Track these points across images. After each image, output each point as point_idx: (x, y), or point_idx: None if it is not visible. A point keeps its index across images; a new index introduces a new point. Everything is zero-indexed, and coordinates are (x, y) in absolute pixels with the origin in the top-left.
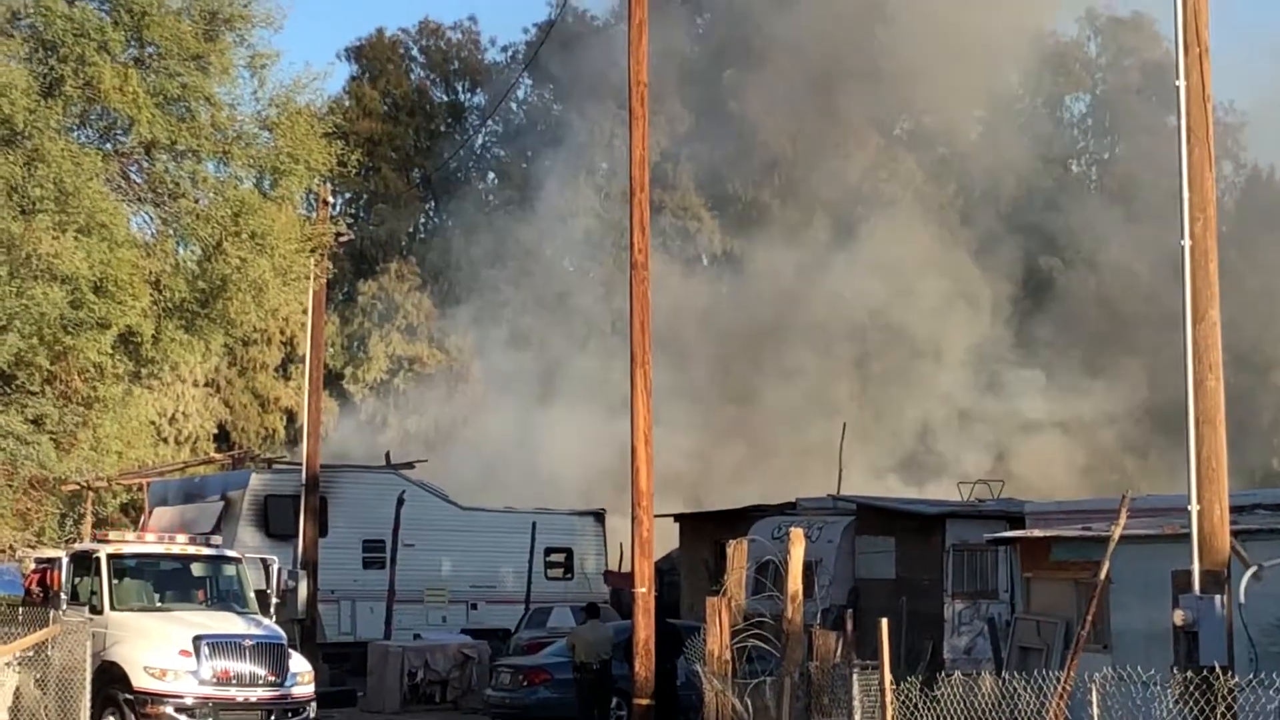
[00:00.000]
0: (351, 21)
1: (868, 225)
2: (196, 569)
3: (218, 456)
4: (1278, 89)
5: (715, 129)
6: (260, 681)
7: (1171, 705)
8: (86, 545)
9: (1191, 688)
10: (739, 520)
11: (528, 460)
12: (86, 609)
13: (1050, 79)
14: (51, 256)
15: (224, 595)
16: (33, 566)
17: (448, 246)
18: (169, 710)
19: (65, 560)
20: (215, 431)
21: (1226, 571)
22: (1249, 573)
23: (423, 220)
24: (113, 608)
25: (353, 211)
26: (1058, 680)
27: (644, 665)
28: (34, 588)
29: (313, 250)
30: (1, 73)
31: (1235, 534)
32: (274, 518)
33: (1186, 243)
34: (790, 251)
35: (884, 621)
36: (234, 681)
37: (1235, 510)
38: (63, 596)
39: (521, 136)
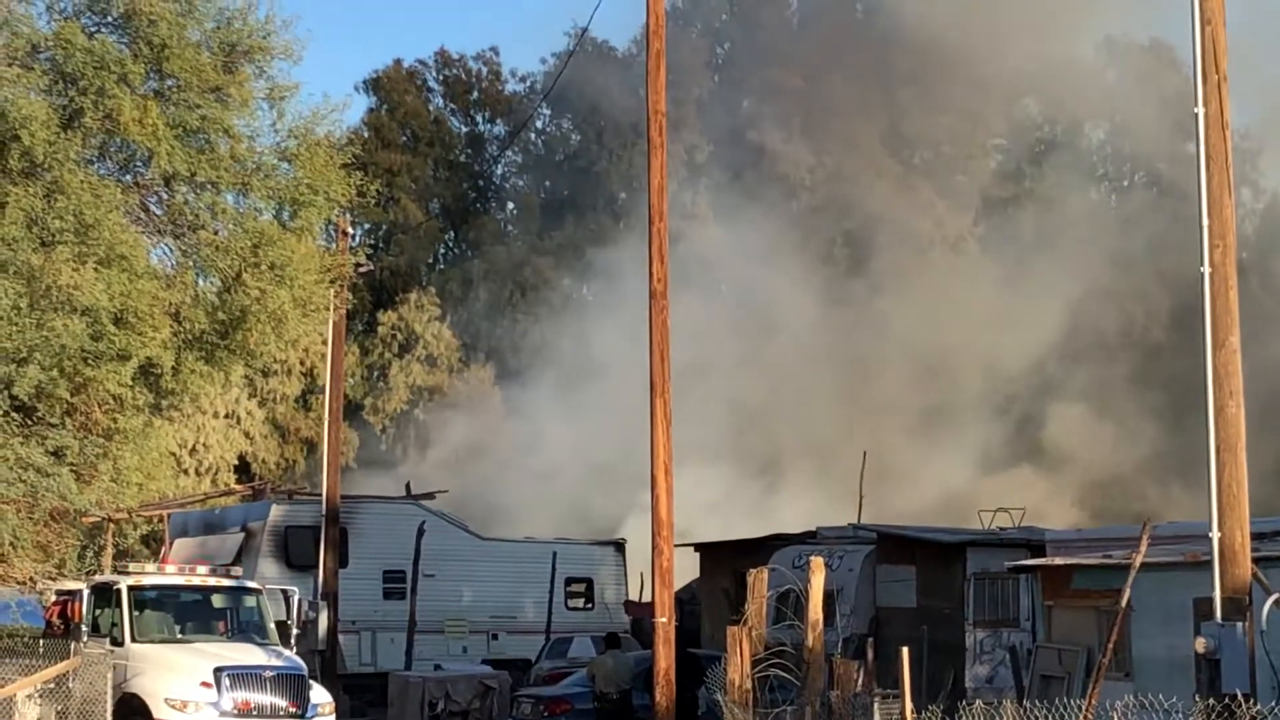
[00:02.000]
0: (368, 54)
1: (888, 254)
2: (217, 600)
3: (238, 488)
4: None
5: (733, 158)
6: (281, 712)
7: None
8: (107, 577)
9: (1214, 715)
10: (759, 549)
11: (553, 489)
12: (107, 641)
13: (1069, 106)
14: (71, 288)
15: (245, 626)
16: (53, 598)
17: (468, 276)
18: None
19: (86, 592)
20: (235, 463)
21: (1248, 598)
22: (1271, 600)
23: (442, 251)
24: (133, 639)
25: (372, 242)
26: (1079, 708)
27: (665, 695)
28: (55, 620)
29: (332, 281)
30: (22, 105)
31: (1257, 561)
32: (294, 549)
33: (1206, 269)
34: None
35: (905, 650)
36: (255, 713)
37: (1256, 537)
38: (83, 628)
39: (540, 166)
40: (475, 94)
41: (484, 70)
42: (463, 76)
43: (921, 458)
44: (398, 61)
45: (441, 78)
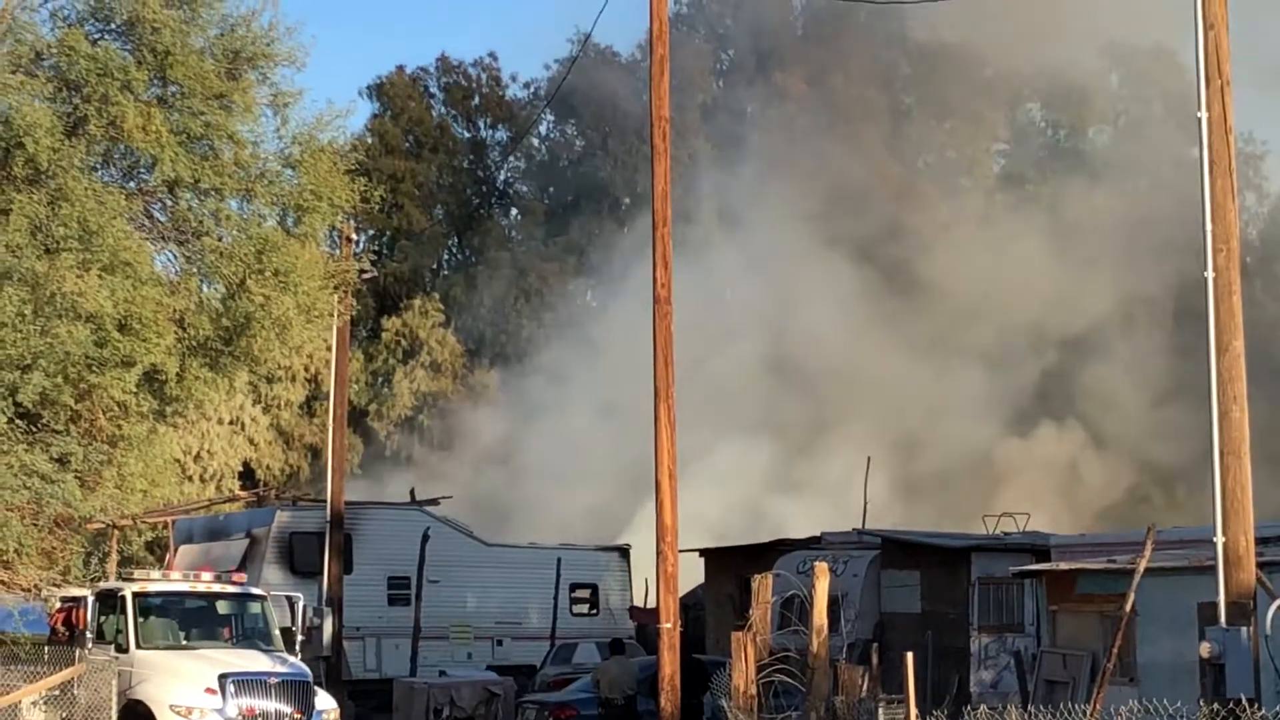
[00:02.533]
0: (370, 61)
1: (892, 257)
2: (222, 607)
3: (242, 494)
4: None
5: (737, 163)
6: (286, 719)
7: None
8: (112, 584)
9: None
10: (764, 554)
11: (558, 496)
12: (112, 648)
13: (1073, 111)
14: (76, 295)
15: (249, 633)
16: (58, 605)
17: (473, 282)
18: None
19: (90, 599)
20: (240, 469)
21: (1252, 603)
22: (1275, 604)
23: (446, 257)
24: (138, 646)
25: (376, 248)
26: (1084, 714)
27: (669, 701)
28: (59, 627)
29: (336, 287)
30: (26, 112)
31: (1261, 566)
32: (299, 555)
33: (1210, 274)
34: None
35: (909, 655)
36: (260, 719)
37: (1261, 542)
38: (88, 635)
39: (544, 171)
40: (476, 100)
41: (484, 76)
42: (463, 82)
43: (942, 452)
44: (400, 68)
45: (443, 84)
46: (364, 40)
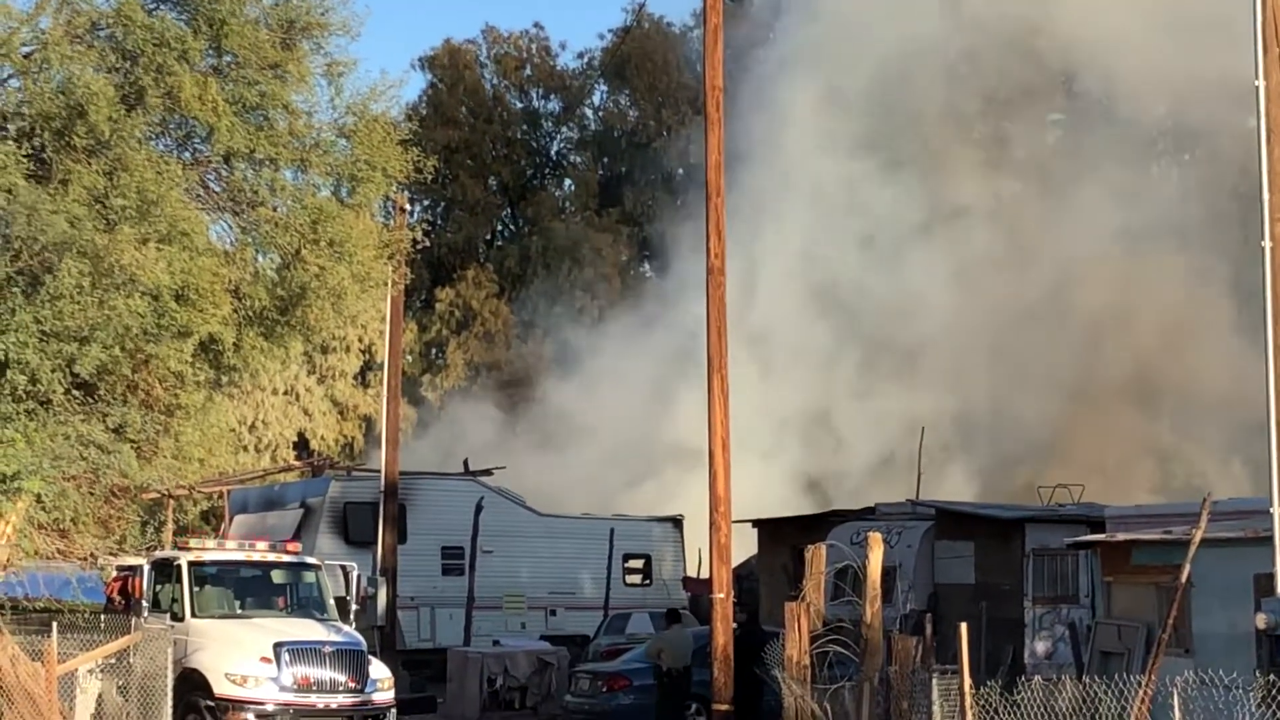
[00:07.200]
0: (412, 33)
1: (946, 230)
2: (277, 576)
3: (297, 464)
4: None
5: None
6: (341, 688)
7: (1254, 709)
8: (167, 553)
9: (1274, 691)
10: (818, 525)
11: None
12: (168, 616)
13: (1128, 81)
14: (134, 267)
15: (304, 602)
16: (114, 574)
17: (526, 253)
18: (250, 717)
19: (146, 568)
20: (295, 439)
21: None
22: None
23: (499, 227)
24: (194, 615)
25: (430, 218)
26: (1139, 684)
27: (723, 671)
28: (115, 595)
29: (390, 257)
30: (90, 81)
31: None
32: (353, 525)
33: (1267, 244)
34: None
35: (963, 626)
36: (314, 688)
37: None
38: (144, 604)
39: (598, 142)
40: (528, 70)
41: (534, 47)
42: (513, 53)
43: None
44: (448, 41)
45: (494, 54)
46: (404, 12)
